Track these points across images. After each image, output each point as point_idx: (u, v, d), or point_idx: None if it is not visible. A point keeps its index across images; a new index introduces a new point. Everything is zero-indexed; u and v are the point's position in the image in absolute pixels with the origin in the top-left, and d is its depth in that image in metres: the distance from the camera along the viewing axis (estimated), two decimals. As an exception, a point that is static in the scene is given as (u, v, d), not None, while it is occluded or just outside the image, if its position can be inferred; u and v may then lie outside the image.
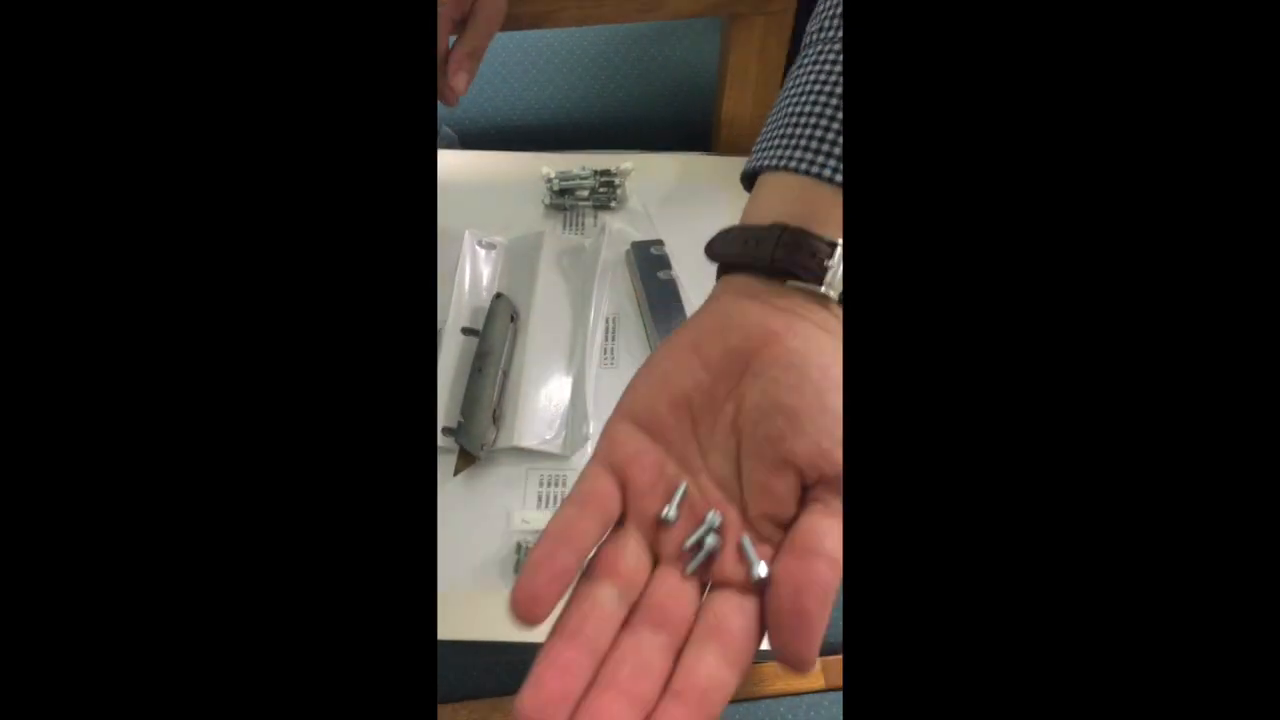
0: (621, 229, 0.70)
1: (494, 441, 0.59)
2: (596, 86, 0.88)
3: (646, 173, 0.74)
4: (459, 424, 0.58)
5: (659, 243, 0.68)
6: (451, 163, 0.76)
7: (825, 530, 0.29)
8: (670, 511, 0.31)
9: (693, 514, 0.32)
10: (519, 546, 0.55)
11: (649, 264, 0.66)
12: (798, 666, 0.28)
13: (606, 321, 0.66)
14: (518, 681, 0.46)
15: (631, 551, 0.31)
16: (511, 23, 0.67)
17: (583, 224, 0.72)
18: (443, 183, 0.74)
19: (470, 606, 0.54)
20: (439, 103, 0.66)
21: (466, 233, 0.69)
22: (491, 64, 0.88)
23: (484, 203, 0.73)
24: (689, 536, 0.31)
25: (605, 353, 0.64)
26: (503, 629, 0.53)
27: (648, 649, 0.29)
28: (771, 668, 0.55)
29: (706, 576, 0.31)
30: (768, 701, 0.55)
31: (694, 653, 0.29)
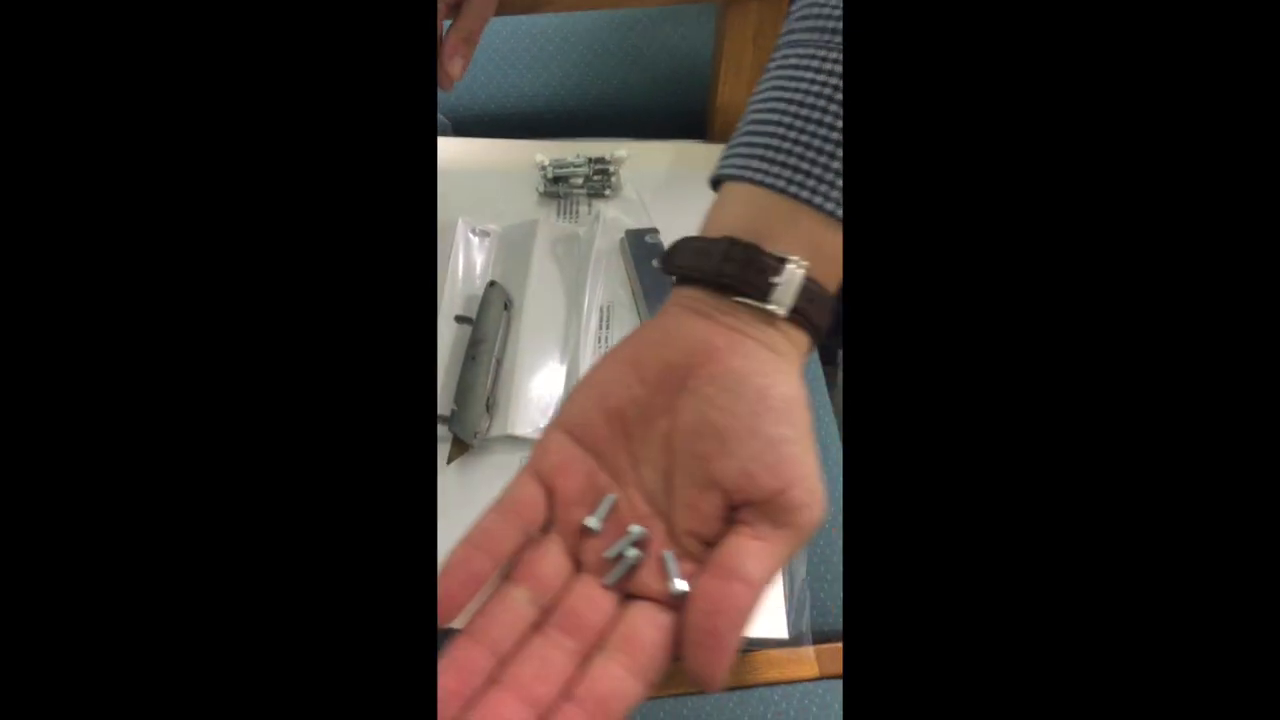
0: (616, 217, 0.70)
1: (488, 430, 0.58)
2: (591, 73, 0.88)
3: (641, 160, 0.73)
4: (452, 412, 0.58)
5: (654, 231, 0.67)
6: (444, 149, 0.76)
7: (747, 553, 0.30)
8: (594, 521, 0.31)
9: (620, 526, 0.32)
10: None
11: (643, 252, 0.66)
12: (705, 684, 0.29)
13: (601, 310, 0.66)
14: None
15: (550, 558, 0.32)
16: (505, 7, 0.66)
17: (577, 212, 0.71)
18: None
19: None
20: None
21: (460, 220, 0.68)
22: (485, 50, 0.87)
23: (477, 190, 0.72)
24: (612, 547, 0.31)
25: (599, 341, 0.64)
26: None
27: (554, 653, 0.29)
28: (764, 656, 0.55)
29: (628, 588, 0.31)
30: (761, 690, 0.55)
31: (601, 661, 0.29)
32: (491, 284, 0.64)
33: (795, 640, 0.55)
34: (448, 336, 0.63)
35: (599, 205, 0.71)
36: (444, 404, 0.59)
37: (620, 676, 0.29)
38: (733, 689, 0.55)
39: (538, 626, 0.31)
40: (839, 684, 0.55)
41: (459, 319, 0.64)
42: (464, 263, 0.67)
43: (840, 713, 0.54)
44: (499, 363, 0.61)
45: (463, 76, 0.63)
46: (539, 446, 0.34)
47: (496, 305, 0.63)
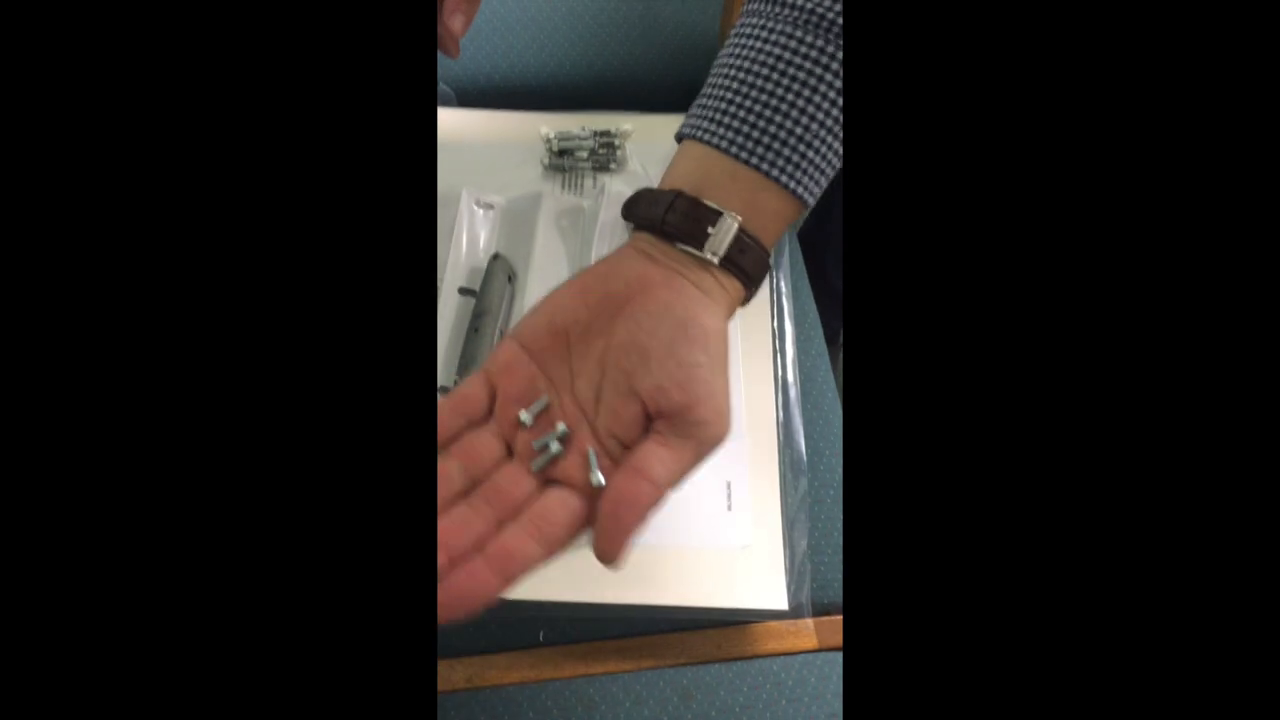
0: (621, 191, 0.69)
1: (491, 402, 0.59)
2: (597, 46, 0.87)
3: (646, 134, 0.73)
4: (455, 383, 0.58)
5: (658, 204, 0.67)
6: (449, 121, 0.75)
7: (654, 457, 0.34)
8: (526, 415, 0.36)
9: (550, 424, 0.36)
10: (515, 506, 0.55)
11: (648, 226, 0.66)
12: (606, 562, 0.33)
13: (604, 283, 0.65)
14: (511, 638, 0.46)
15: (485, 441, 0.36)
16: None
17: (582, 185, 0.71)
18: (440, 142, 0.73)
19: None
20: (442, 57, 0.64)
21: (464, 192, 0.68)
22: (490, 21, 0.87)
23: (482, 162, 0.72)
24: (539, 439, 0.36)
25: (603, 314, 0.64)
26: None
27: (474, 516, 0.34)
28: (764, 628, 0.56)
29: (550, 475, 0.35)
30: (761, 660, 0.55)
31: (512, 527, 0.34)
32: (495, 256, 0.64)
33: (795, 612, 0.55)
34: (451, 308, 0.63)
35: (604, 178, 0.71)
36: (447, 375, 0.59)
37: (525, 541, 0.33)
38: (734, 659, 0.55)
39: (465, 494, 0.35)
40: (838, 656, 0.56)
41: (463, 291, 0.64)
42: (468, 235, 0.67)
43: (838, 684, 0.55)
44: (502, 335, 0.61)
45: (465, 34, 0.63)
46: (494, 351, 0.38)
47: (500, 277, 0.63)
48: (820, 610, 0.57)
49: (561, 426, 0.36)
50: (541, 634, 0.55)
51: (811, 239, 1.13)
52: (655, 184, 0.69)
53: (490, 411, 0.37)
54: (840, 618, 0.57)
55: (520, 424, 0.36)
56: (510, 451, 0.36)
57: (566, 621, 0.56)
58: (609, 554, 0.33)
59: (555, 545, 0.34)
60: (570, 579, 0.54)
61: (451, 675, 0.54)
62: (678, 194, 0.37)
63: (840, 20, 0.36)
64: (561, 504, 0.34)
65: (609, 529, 0.33)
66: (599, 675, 0.54)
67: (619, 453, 0.35)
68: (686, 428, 0.34)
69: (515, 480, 0.35)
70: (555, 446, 0.35)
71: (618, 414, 0.35)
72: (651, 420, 0.35)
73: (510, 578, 0.32)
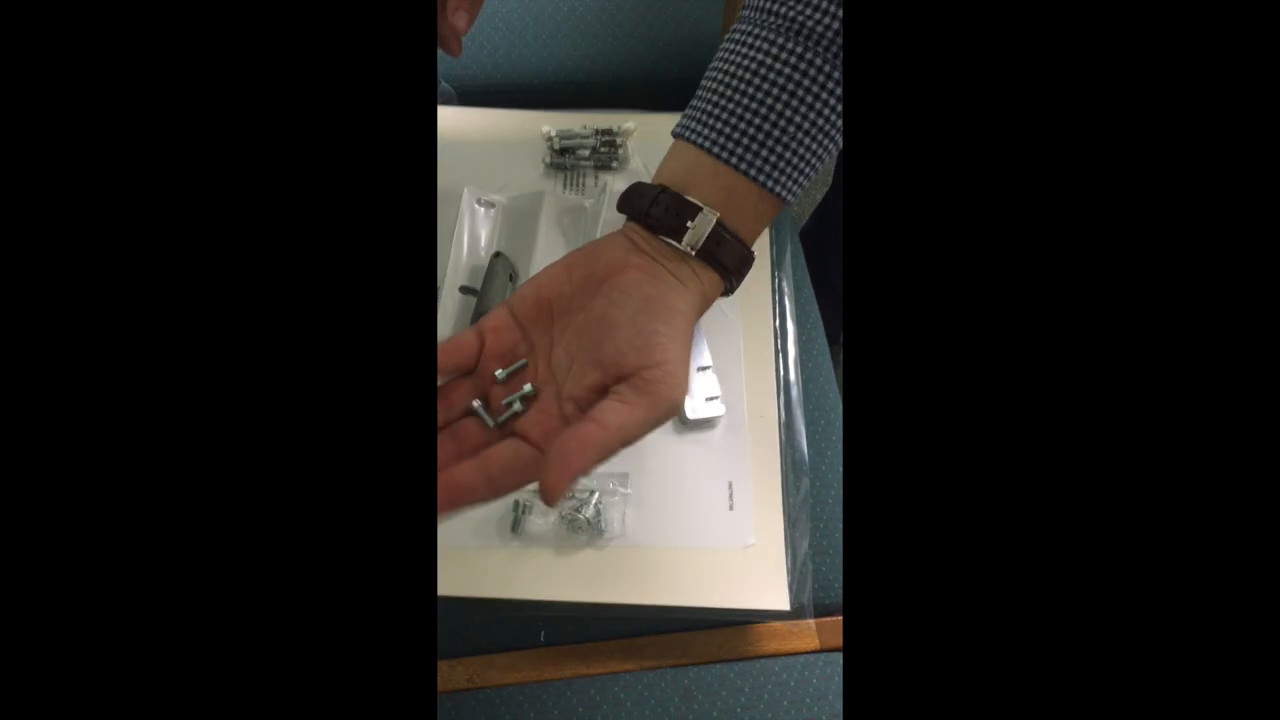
0: (623, 189, 0.69)
1: (492, 401, 0.59)
2: (599, 44, 0.87)
3: (649, 133, 0.73)
4: (457, 383, 0.58)
5: (660, 203, 0.67)
6: (451, 120, 0.75)
7: (608, 408, 0.37)
8: (502, 374, 0.40)
9: (521, 384, 0.40)
10: (517, 504, 0.56)
11: (649, 225, 0.66)
12: (546, 496, 0.35)
13: (606, 282, 0.65)
14: (513, 638, 0.46)
15: (462, 392, 0.40)
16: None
17: (583, 184, 0.71)
18: (441, 140, 0.73)
19: (467, 563, 0.54)
20: (444, 55, 0.64)
21: (465, 190, 0.68)
22: (493, 20, 0.87)
23: (483, 161, 0.72)
24: (508, 397, 0.39)
25: (604, 314, 0.64)
26: (499, 586, 0.54)
27: (438, 453, 0.38)
28: (766, 628, 0.56)
29: (512, 429, 0.39)
30: (763, 661, 0.55)
31: (462, 464, 0.37)
32: (497, 255, 0.64)
33: (797, 613, 0.55)
34: (452, 307, 0.63)
35: (606, 177, 0.71)
36: (449, 375, 0.59)
37: (470, 475, 0.37)
38: (735, 660, 0.55)
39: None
40: (840, 657, 0.56)
41: (464, 289, 0.64)
42: (469, 233, 0.67)
43: (840, 685, 0.55)
44: (504, 334, 0.61)
45: (469, 31, 0.62)
46: (489, 313, 0.41)
47: (501, 276, 0.63)
48: (822, 611, 0.57)
49: (528, 387, 0.39)
50: (543, 634, 0.55)
51: (813, 239, 1.13)
52: (654, 182, 0.70)
53: (477, 364, 0.40)
54: (842, 618, 0.57)
55: (496, 380, 0.40)
56: (486, 403, 0.40)
57: (568, 621, 0.56)
58: (552, 487, 0.35)
59: (500, 485, 0.37)
60: (572, 579, 0.54)
61: (453, 675, 0.54)
62: (663, 189, 0.40)
63: (819, 28, 0.37)
64: (513, 451, 0.38)
65: (556, 463, 0.35)
66: (600, 675, 0.54)
67: (574, 414, 0.38)
68: (641, 384, 0.37)
69: (479, 429, 0.39)
70: (518, 405, 0.39)
71: (580, 379, 0.38)
72: (610, 386, 0.37)
73: (454, 505, 0.36)
